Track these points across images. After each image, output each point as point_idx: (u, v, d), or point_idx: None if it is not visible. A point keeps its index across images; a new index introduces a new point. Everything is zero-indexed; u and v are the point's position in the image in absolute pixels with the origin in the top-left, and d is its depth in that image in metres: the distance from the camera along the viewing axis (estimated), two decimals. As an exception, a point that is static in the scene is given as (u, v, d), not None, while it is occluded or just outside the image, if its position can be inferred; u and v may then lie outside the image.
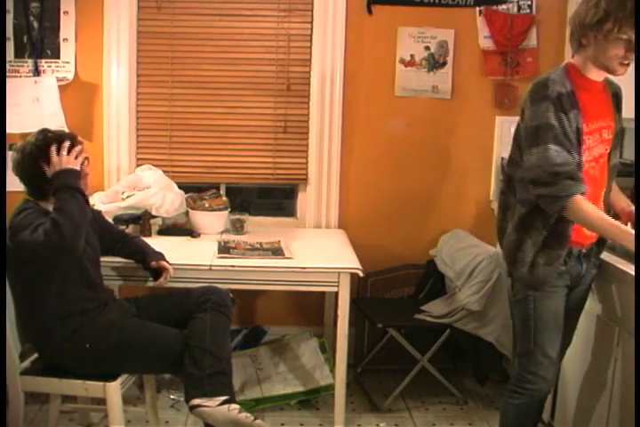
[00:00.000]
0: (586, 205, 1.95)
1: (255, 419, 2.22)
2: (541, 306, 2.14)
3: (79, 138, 2.35)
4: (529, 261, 2.09)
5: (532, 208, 2.07)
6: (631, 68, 2.14)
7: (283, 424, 2.89)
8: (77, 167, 2.25)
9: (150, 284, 2.60)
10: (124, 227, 2.97)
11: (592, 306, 2.37)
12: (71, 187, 2.20)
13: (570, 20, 2.09)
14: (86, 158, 2.36)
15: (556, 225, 2.05)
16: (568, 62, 2.09)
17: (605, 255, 2.31)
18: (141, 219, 3.07)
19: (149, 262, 2.55)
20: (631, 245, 1.90)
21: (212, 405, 2.20)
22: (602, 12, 1.93)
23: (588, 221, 1.97)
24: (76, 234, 2.12)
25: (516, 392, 2.20)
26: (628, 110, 2.26)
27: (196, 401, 2.22)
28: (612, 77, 2.14)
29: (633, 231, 1.94)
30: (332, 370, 2.89)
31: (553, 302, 2.15)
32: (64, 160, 2.23)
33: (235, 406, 2.22)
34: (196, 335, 2.31)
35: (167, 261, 2.58)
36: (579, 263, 2.16)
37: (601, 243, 2.22)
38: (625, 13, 1.90)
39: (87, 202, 2.27)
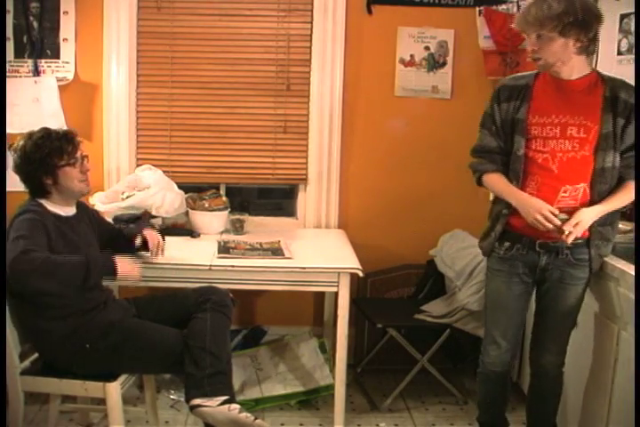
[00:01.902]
0: (494, 179, 2.29)
1: (255, 419, 2.22)
2: (488, 285, 2.41)
3: (78, 137, 2.35)
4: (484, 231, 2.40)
5: None
6: (631, 68, 2.15)
7: (283, 424, 2.89)
8: (135, 276, 2.26)
9: (148, 258, 2.56)
10: (123, 227, 2.96)
11: (592, 306, 2.37)
12: (107, 267, 2.21)
13: None
14: (86, 156, 2.36)
15: (494, 201, 2.35)
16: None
17: (605, 255, 2.32)
18: (141, 219, 3.07)
19: (133, 236, 2.55)
20: (526, 218, 2.15)
21: (213, 405, 2.20)
22: None
23: (498, 191, 2.30)
24: (44, 278, 2.08)
25: (479, 362, 2.46)
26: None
27: (196, 401, 2.22)
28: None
29: (537, 204, 2.13)
30: (332, 370, 2.89)
31: (495, 284, 2.36)
32: (128, 268, 2.24)
33: (235, 406, 2.22)
34: (197, 335, 2.30)
35: (155, 234, 2.58)
36: (534, 253, 2.24)
37: (584, 244, 2.22)
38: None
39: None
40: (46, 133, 2.30)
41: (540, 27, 2.08)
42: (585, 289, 2.31)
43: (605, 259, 2.28)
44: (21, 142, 2.29)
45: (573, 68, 2.14)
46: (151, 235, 2.56)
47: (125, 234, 2.63)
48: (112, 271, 2.21)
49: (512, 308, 2.34)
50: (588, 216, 2.16)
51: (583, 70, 2.17)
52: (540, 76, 2.24)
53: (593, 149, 2.16)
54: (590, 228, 2.20)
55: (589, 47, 2.13)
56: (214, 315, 2.36)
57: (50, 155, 2.26)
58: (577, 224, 2.13)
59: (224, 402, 2.21)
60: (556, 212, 2.14)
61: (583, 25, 2.07)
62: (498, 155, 2.30)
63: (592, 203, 2.19)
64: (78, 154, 2.33)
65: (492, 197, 3.42)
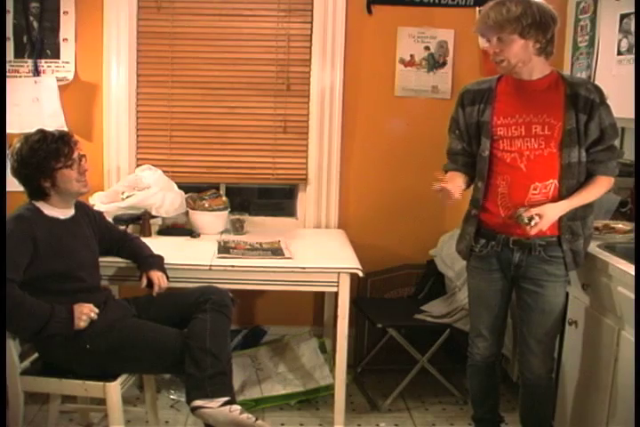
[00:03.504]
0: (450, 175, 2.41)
1: (256, 420, 2.23)
2: (469, 283, 2.50)
3: (74, 137, 2.35)
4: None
5: None
6: (631, 68, 2.15)
7: (283, 424, 2.89)
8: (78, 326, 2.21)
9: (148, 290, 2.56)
10: (123, 227, 2.97)
11: (591, 306, 2.37)
12: (67, 328, 2.18)
13: None
14: (83, 155, 2.35)
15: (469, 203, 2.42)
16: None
17: (605, 255, 2.31)
18: (141, 219, 3.07)
19: (141, 272, 2.54)
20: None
21: (214, 406, 2.20)
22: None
23: None
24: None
25: (468, 353, 2.53)
26: (628, 110, 2.26)
27: (197, 402, 2.22)
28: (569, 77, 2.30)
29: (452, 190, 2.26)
30: (332, 370, 2.89)
31: (475, 281, 2.44)
32: (81, 320, 2.21)
33: (236, 407, 2.22)
34: (197, 336, 2.30)
35: (162, 268, 2.55)
36: (508, 250, 2.30)
37: (556, 241, 2.27)
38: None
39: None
40: (42, 136, 2.28)
41: (500, 30, 2.15)
42: (564, 288, 2.34)
43: (605, 259, 2.28)
44: (17, 146, 2.28)
45: (534, 68, 2.21)
46: (157, 277, 2.51)
47: (130, 249, 2.62)
48: (68, 325, 2.18)
49: (493, 303, 2.41)
50: (553, 211, 2.20)
51: (543, 70, 2.23)
52: (502, 80, 2.31)
53: (558, 146, 2.22)
54: (559, 223, 2.25)
55: (547, 48, 2.20)
56: (214, 315, 2.36)
57: (46, 158, 2.25)
58: (539, 215, 2.16)
59: (225, 403, 2.21)
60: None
61: (541, 26, 2.15)
62: (460, 156, 2.42)
63: (562, 198, 2.24)
64: (75, 155, 2.31)
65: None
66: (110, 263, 2.61)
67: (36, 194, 2.30)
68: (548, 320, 2.33)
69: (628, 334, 2.14)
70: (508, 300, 2.44)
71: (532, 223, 2.16)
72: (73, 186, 2.31)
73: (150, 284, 2.51)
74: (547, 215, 2.18)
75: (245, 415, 2.21)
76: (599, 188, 2.28)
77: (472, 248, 2.39)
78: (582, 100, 2.20)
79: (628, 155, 2.68)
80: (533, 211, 2.17)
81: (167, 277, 2.55)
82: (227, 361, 2.32)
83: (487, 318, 2.44)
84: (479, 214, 2.36)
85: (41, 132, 2.31)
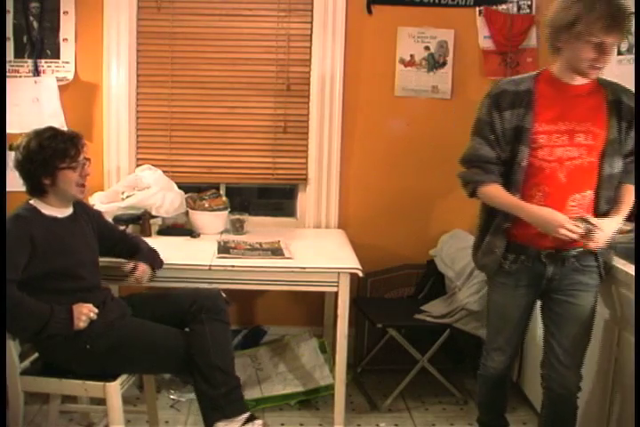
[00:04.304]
0: (493, 190, 2.15)
1: None
2: (491, 296, 2.36)
3: (84, 140, 2.35)
4: (476, 244, 2.33)
5: None
6: (631, 68, 2.15)
7: (283, 424, 2.89)
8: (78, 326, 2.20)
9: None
10: (123, 227, 2.97)
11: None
12: (66, 328, 2.17)
13: (545, 23, 2.13)
14: (88, 159, 2.35)
15: (491, 213, 2.21)
16: (546, 67, 2.17)
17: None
18: (141, 219, 3.07)
19: (132, 258, 2.51)
20: (548, 233, 2.04)
21: (237, 426, 2.23)
22: (572, 14, 1.97)
23: (499, 204, 2.16)
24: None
25: (480, 364, 2.43)
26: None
27: (219, 425, 2.23)
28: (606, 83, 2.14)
29: (553, 218, 2.02)
30: (332, 370, 2.89)
31: (500, 297, 2.30)
32: (81, 320, 2.19)
33: (259, 422, 2.26)
34: (200, 351, 2.29)
35: (153, 263, 2.53)
36: (540, 264, 2.16)
37: (589, 251, 2.14)
38: (594, 16, 1.94)
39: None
40: (53, 134, 2.28)
41: (626, 23, 1.97)
42: (596, 298, 2.22)
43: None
44: (26, 139, 2.27)
45: None
46: (142, 270, 2.47)
47: (130, 246, 2.61)
48: (67, 326, 2.17)
49: (517, 318, 2.29)
50: (609, 226, 2.07)
51: None
52: (540, 80, 2.15)
53: (599, 156, 2.11)
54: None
55: None
56: (212, 326, 2.34)
57: (52, 156, 2.24)
58: (600, 230, 2.02)
59: (247, 421, 2.24)
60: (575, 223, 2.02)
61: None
62: (495, 165, 2.17)
63: (598, 210, 2.14)
64: (81, 158, 2.31)
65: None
66: (110, 263, 2.61)
67: (34, 190, 2.30)
68: (581, 331, 2.20)
69: (629, 334, 2.14)
70: (531, 313, 2.33)
71: (593, 236, 2.01)
72: (72, 189, 2.30)
73: (133, 272, 2.48)
74: (605, 232, 2.04)
75: None
76: (632, 198, 2.17)
77: (501, 264, 2.23)
78: (626, 108, 2.09)
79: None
80: (594, 222, 2.02)
81: (153, 275, 2.51)
82: (233, 369, 2.33)
83: (508, 331, 2.32)
84: (511, 228, 2.18)
85: (52, 129, 2.31)
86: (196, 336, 2.33)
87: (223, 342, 2.36)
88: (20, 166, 2.28)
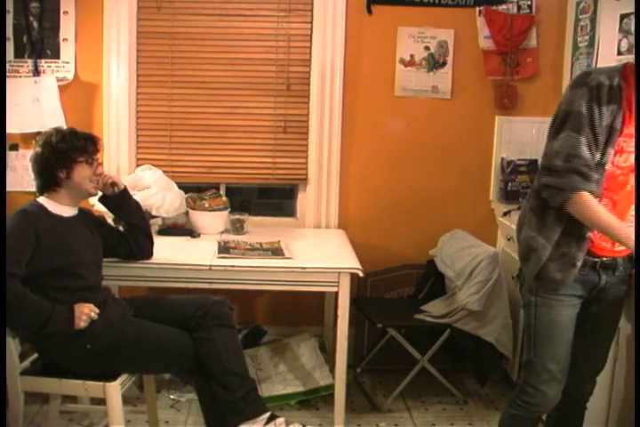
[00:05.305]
0: (591, 202, 1.84)
1: (304, 426, 2.31)
2: (542, 314, 2.03)
3: (102, 142, 2.44)
4: (544, 259, 1.96)
5: (542, 200, 1.94)
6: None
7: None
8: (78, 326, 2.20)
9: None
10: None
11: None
12: (67, 327, 2.17)
13: None
14: (100, 163, 2.43)
15: (571, 222, 1.92)
16: (628, 61, 1.93)
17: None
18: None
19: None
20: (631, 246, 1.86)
21: (260, 426, 2.25)
22: None
23: (591, 218, 1.86)
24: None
25: (515, 403, 2.11)
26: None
27: None
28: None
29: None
30: (332, 370, 2.89)
31: (555, 312, 2.01)
32: (81, 320, 2.19)
33: (280, 421, 2.29)
34: (213, 359, 2.31)
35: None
36: (595, 273, 2.00)
37: (629, 257, 2.03)
38: None
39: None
40: (74, 131, 2.38)
41: None
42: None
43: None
44: (47, 134, 2.34)
45: None
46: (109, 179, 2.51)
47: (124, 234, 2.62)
48: (68, 325, 2.17)
49: (568, 335, 2.04)
50: None
51: None
52: (627, 75, 1.87)
53: None
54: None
55: None
56: (220, 332, 2.36)
57: (72, 149, 2.31)
58: None
59: (269, 420, 2.26)
60: None
61: None
62: (595, 172, 1.86)
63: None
64: (97, 156, 2.39)
65: (491, 197, 3.43)
66: (110, 263, 2.61)
67: (47, 184, 2.32)
68: (609, 342, 2.12)
69: (629, 334, 2.14)
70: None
71: None
72: (85, 183, 2.35)
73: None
74: None
75: (292, 426, 2.29)
76: None
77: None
78: None
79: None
80: None
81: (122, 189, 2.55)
82: (247, 372, 2.37)
83: (561, 355, 2.04)
84: (591, 237, 1.95)
85: (73, 128, 2.41)
86: (206, 343, 2.34)
87: (234, 346, 2.39)
88: (38, 159, 2.32)
